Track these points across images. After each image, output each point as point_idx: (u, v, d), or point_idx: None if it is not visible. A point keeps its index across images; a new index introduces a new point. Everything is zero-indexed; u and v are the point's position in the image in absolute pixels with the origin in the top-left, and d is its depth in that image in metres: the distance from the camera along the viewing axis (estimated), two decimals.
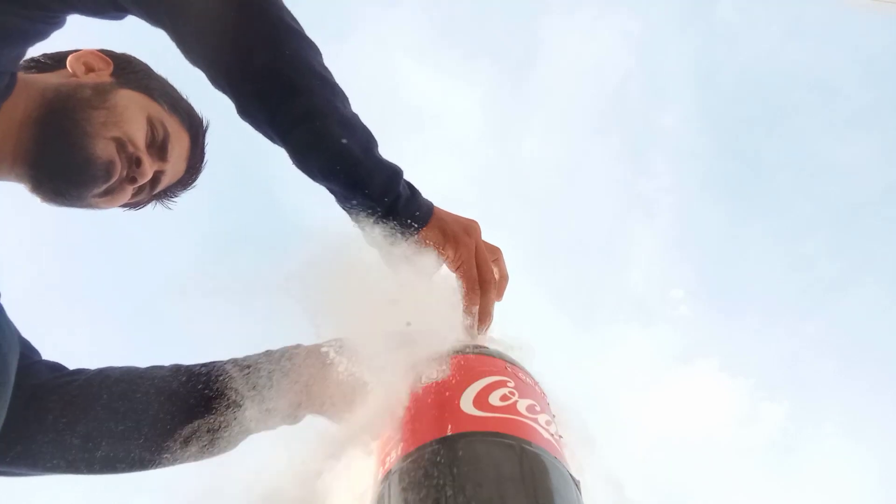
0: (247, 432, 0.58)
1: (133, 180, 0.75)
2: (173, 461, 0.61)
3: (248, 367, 0.60)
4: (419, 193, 0.66)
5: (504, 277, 0.68)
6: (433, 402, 0.44)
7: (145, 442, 0.60)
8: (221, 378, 0.60)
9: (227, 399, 0.58)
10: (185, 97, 0.84)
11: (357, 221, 0.65)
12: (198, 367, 0.63)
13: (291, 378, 0.58)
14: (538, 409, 0.44)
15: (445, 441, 0.40)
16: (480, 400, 0.43)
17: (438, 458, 0.39)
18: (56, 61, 0.76)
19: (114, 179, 0.72)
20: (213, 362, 0.64)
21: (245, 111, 0.62)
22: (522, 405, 0.43)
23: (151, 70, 0.81)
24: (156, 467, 0.62)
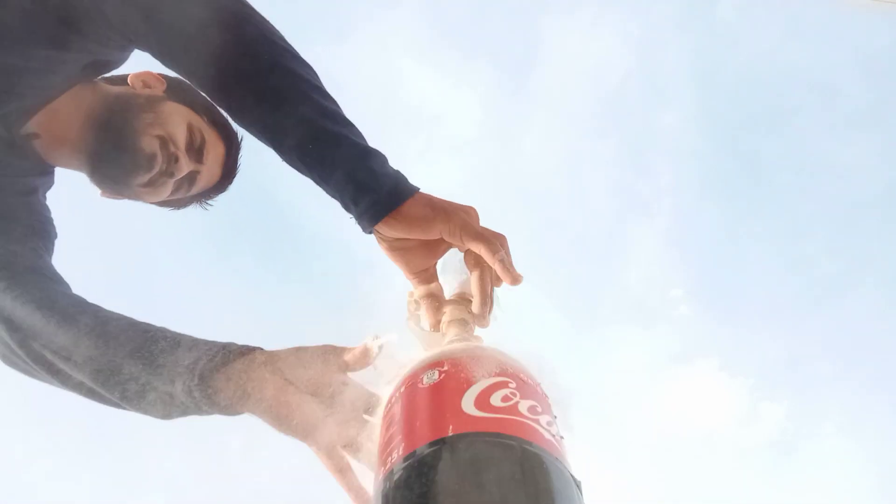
0: (182, 412, 0.62)
1: (171, 174, 0.88)
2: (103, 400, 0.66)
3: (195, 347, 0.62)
4: (405, 178, 0.66)
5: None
6: (434, 402, 0.44)
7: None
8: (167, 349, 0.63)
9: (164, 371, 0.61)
10: (224, 115, 0.98)
11: (348, 210, 0.66)
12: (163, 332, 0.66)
13: (232, 380, 0.58)
14: (539, 409, 0.44)
15: (446, 441, 0.40)
16: (482, 400, 0.43)
17: (439, 459, 0.39)
18: (122, 79, 0.93)
19: (155, 171, 0.87)
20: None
21: (232, 116, 0.70)
22: (524, 406, 0.43)
23: (198, 91, 0.95)
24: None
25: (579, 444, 0.48)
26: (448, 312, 0.67)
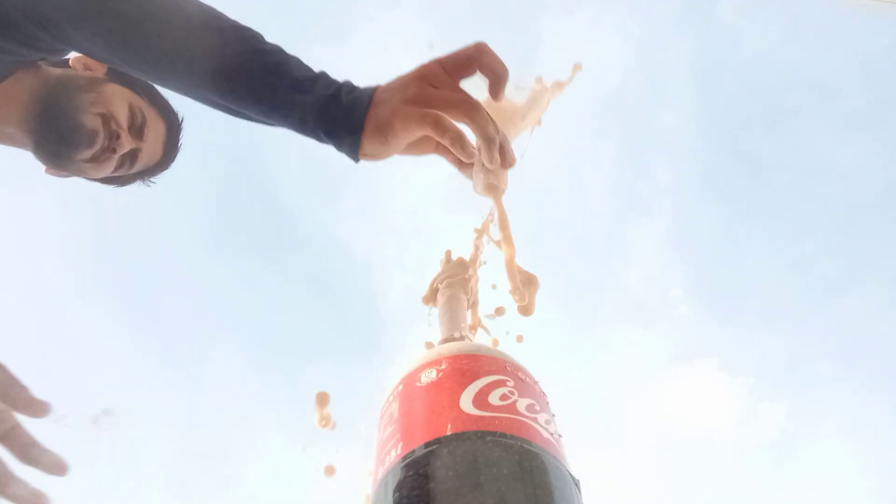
0: None
1: (114, 150, 0.92)
2: None
3: None
4: (347, 120, 0.57)
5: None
6: (432, 401, 0.44)
7: None
8: None
9: None
10: (164, 97, 1.03)
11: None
12: None
13: None
14: (538, 408, 0.44)
15: (445, 440, 0.40)
16: (480, 399, 0.43)
17: (438, 458, 0.39)
18: (64, 62, 0.95)
19: (97, 147, 0.90)
20: None
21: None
22: (522, 404, 0.43)
23: None
24: None
25: (578, 444, 0.48)
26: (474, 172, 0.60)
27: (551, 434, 0.43)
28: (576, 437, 0.50)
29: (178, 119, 1.07)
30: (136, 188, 1.10)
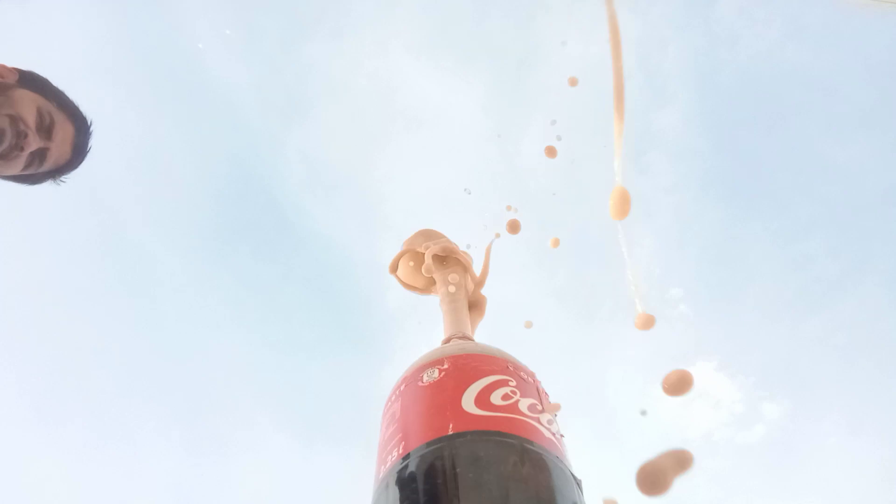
0: None
1: (21, 149, 0.99)
2: None
3: None
4: None
5: None
6: (435, 401, 0.44)
7: None
8: None
9: None
10: (73, 101, 1.10)
11: None
12: None
13: None
14: (539, 408, 0.44)
15: (447, 440, 0.40)
16: (482, 399, 0.43)
17: (440, 457, 0.39)
18: None
19: (4, 145, 0.96)
20: None
21: None
22: (524, 404, 0.43)
23: (49, 82, 1.07)
24: None
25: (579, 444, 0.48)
26: None
27: (553, 434, 0.43)
28: (577, 436, 0.50)
29: (86, 122, 1.13)
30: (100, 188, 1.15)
